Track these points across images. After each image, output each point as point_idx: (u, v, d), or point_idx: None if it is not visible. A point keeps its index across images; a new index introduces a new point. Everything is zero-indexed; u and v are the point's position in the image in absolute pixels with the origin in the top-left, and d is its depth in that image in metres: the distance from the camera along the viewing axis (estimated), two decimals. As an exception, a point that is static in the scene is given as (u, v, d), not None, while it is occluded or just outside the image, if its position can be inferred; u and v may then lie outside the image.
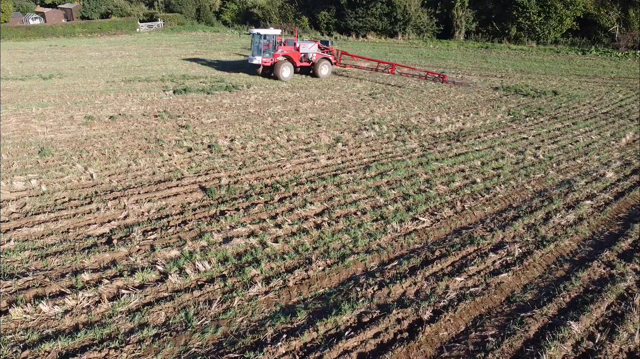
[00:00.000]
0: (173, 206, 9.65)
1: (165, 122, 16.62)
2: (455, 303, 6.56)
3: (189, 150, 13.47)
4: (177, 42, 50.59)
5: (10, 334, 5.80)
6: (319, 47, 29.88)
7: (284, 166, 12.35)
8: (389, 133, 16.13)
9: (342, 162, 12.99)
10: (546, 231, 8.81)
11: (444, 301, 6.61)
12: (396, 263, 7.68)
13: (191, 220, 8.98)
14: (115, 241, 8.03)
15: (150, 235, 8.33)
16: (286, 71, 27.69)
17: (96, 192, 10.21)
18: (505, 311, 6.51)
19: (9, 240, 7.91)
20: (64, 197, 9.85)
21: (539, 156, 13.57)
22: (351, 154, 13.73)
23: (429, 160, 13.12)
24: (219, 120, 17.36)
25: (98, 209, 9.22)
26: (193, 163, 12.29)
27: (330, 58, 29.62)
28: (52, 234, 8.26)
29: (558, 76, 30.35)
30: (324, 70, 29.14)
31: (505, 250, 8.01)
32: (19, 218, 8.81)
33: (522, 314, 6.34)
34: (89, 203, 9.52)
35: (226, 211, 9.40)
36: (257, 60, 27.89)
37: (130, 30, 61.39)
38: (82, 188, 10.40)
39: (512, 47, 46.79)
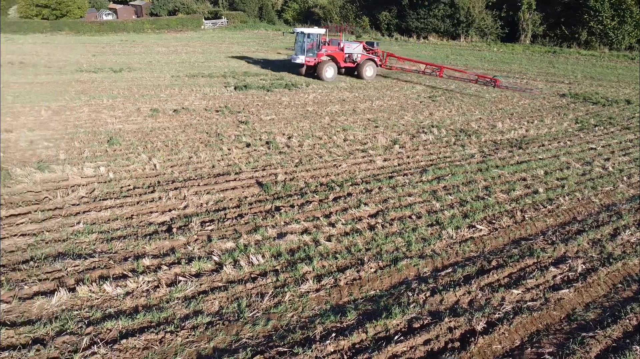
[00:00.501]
0: (230, 199, 9.88)
1: (225, 117, 17.03)
2: (511, 316, 6.35)
3: (248, 145, 13.74)
4: (240, 40, 51.75)
5: (76, 310, 6.14)
6: (364, 48, 29.08)
7: (340, 165, 12.36)
8: (448, 137, 15.81)
9: (399, 164, 12.85)
10: (613, 248, 8.36)
11: (498, 314, 6.41)
12: (450, 270, 7.52)
13: (247, 214, 9.17)
14: (174, 230, 8.32)
15: (208, 226, 8.57)
16: (329, 71, 27.13)
17: (159, 182, 10.61)
18: (564, 329, 6.23)
19: (78, 223, 8.36)
20: (129, 185, 10.31)
21: (608, 168, 12.89)
22: (408, 157, 13.56)
23: (489, 167, 12.75)
24: (277, 117, 17.61)
25: (160, 198, 9.58)
26: (251, 159, 12.53)
27: (376, 59, 28.75)
28: (117, 219, 8.66)
29: (632, 84, 28.68)
30: (369, 71, 28.39)
31: (567, 265, 7.66)
32: (87, 202, 9.30)
33: (583, 334, 6.04)
34: (152, 191, 9.91)
35: (281, 207, 9.52)
36: (300, 59, 27.37)
37: (195, 27, 63.42)
38: (146, 177, 10.85)
39: (582, 52, 44.64)
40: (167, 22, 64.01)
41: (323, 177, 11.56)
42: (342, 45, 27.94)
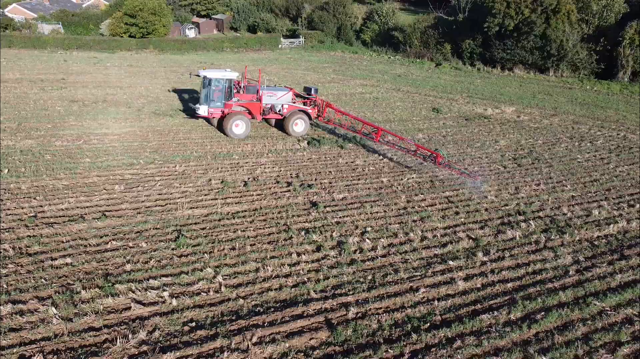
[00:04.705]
0: (297, 351, 9.02)
1: (296, 196, 16.28)
2: None
3: (318, 249, 12.87)
4: (316, 64, 51.27)
5: None
6: (296, 95, 24.50)
7: (417, 289, 11.19)
8: (537, 234, 14.20)
9: (482, 287, 11.49)
10: None
11: None
12: None
13: (314, 381, 8.29)
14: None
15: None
16: (239, 127, 22.49)
17: (222, 315, 9.96)
18: None
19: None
20: (191, 321, 9.72)
21: None
22: (492, 271, 12.13)
23: (587, 294, 11.18)
24: (350, 195, 16.65)
25: (221, 350, 8.89)
26: (321, 274, 11.63)
27: (309, 111, 23.64)
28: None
29: None
30: (298, 126, 23.48)
31: None
32: (146, 353, 8.78)
33: None
34: (214, 337, 9.24)
35: (351, 371, 8.56)
36: (203, 110, 22.30)
37: (273, 47, 63.80)
38: (210, 306, 10.23)
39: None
40: (246, 41, 64.88)
41: (398, 309, 10.47)
42: (260, 93, 23.07)
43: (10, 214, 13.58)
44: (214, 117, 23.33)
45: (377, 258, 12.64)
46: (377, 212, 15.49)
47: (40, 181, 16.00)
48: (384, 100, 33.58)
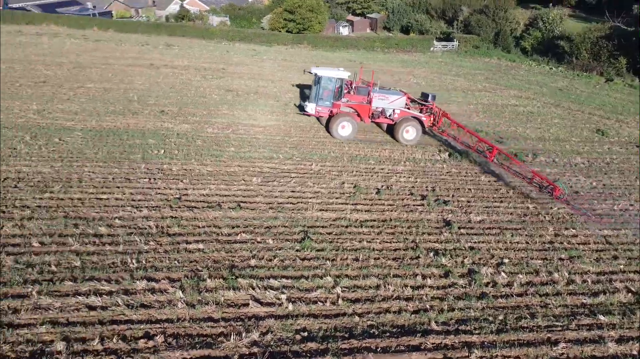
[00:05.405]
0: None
1: (429, 212, 15.37)
2: None
3: (446, 274, 11.91)
4: (468, 70, 48.84)
5: None
6: (410, 100, 22.93)
7: (555, 343, 9.75)
8: None
9: (641, 354, 9.65)
10: None
11: None
12: None
13: None
14: None
15: None
16: (346, 129, 21.67)
17: (335, 329, 9.60)
18: None
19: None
20: (304, 329, 9.51)
21: None
22: (657, 338, 10.14)
23: None
24: (488, 219, 15.29)
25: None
26: (445, 304, 10.71)
27: (423, 119, 22.13)
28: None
29: None
30: (408, 134, 22.08)
31: None
32: (256, 356, 8.74)
33: None
34: (324, 353, 8.91)
35: None
36: (310, 108, 21.97)
37: (424, 49, 62.29)
38: (324, 318, 9.93)
39: None
40: (397, 41, 64.24)
41: (531, 370, 9.17)
42: (370, 96, 21.94)
43: (159, 193, 14.69)
44: (321, 116, 22.90)
45: (512, 296, 11.32)
46: (517, 242, 13.98)
47: (189, 164, 17.15)
48: (540, 116, 30.69)
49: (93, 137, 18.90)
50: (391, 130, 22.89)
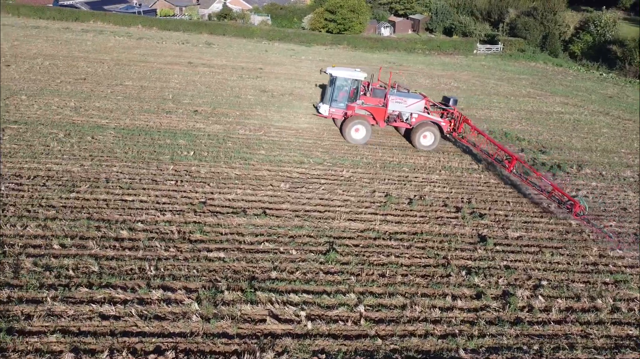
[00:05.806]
0: None
1: (464, 225, 14.57)
2: None
3: (478, 296, 11.14)
4: (511, 74, 47.14)
5: None
6: (430, 104, 21.90)
7: (599, 381, 8.89)
8: None
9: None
10: None
11: None
12: None
13: None
14: None
15: None
16: (360, 132, 20.79)
17: (355, 352, 9.02)
18: None
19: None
20: (322, 351, 8.96)
21: None
22: None
23: None
24: (527, 235, 14.38)
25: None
26: (476, 329, 9.96)
27: (442, 124, 21.05)
28: None
29: None
30: (426, 140, 21.16)
31: None
32: (270, 378, 8.27)
33: None
34: (341, 379, 8.36)
35: None
36: (324, 109, 21.38)
37: (467, 52, 60.58)
38: (345, 338, 9.36)
39: None
40: (439, 43, 62.72)
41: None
42: (387, 98, 21.03)
43: (184, 196, 14.44)
44: (334, 118, 22.19)
45: (550, 323, 10.46)
46: (558, 263, 13.04)
47: (217, 167, 16.89)
48: (587, 124, 29.15)
49: (125, 135, 18.91)
50: (408, 134, 22.04)
